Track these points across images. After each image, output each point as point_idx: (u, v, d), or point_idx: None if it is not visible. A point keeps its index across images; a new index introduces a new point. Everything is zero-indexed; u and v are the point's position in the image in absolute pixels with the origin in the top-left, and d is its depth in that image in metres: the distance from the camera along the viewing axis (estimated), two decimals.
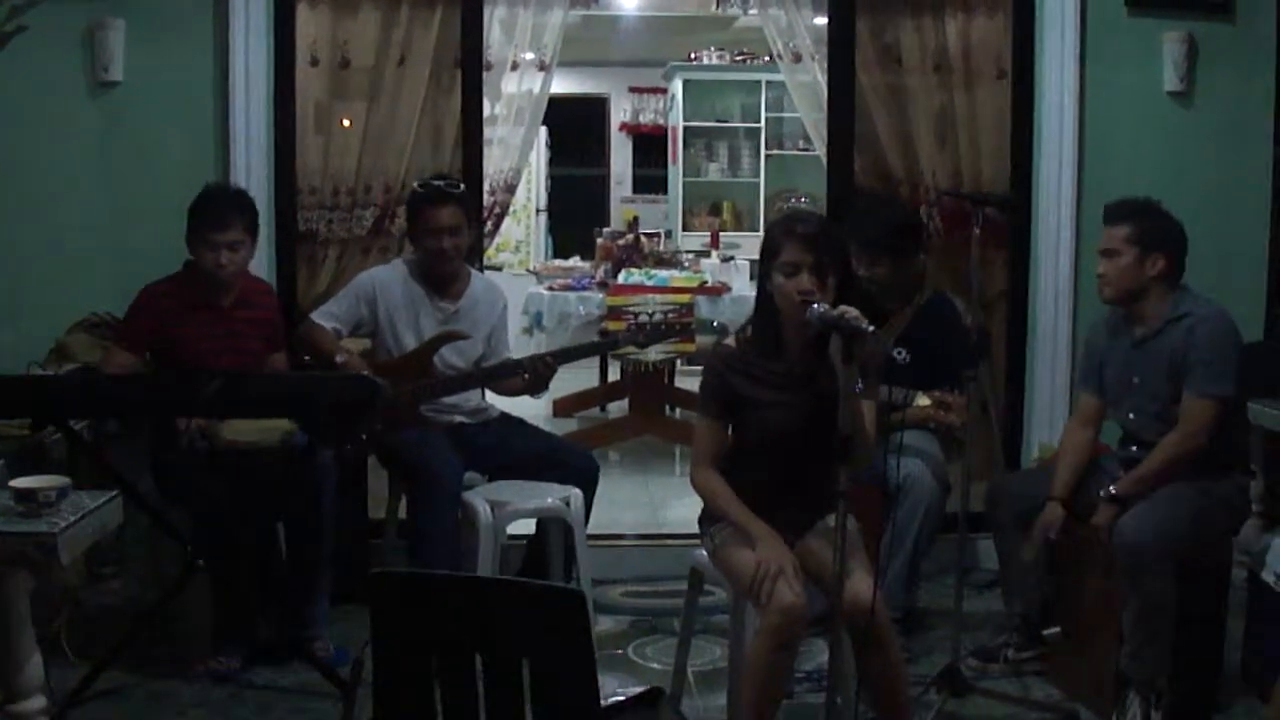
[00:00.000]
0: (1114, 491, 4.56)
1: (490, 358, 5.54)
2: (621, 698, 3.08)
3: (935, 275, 6.00)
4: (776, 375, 3.98)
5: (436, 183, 5.49)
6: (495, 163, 6.86)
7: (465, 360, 5.46)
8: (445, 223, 5.36)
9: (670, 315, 8.17)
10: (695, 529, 4.29)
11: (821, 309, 3.69)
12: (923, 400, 4.82)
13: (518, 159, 7.05)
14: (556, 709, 2.59)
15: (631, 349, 7.82)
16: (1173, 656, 4.42)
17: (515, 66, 7.18)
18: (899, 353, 5.03)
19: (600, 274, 9.47)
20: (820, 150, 6.88)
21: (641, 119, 15.14)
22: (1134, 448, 4.76)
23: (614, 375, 9.90)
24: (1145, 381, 4.67)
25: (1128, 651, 4.44)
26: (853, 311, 3.62)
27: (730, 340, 4.11)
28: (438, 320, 5.45)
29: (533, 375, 5.35)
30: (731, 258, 10.41)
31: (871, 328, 3.60)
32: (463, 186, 5.53)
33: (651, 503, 7.61)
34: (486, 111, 6.53)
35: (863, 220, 5.38)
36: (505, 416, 5.62)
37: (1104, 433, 4.94)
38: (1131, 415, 4.77)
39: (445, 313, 5.47)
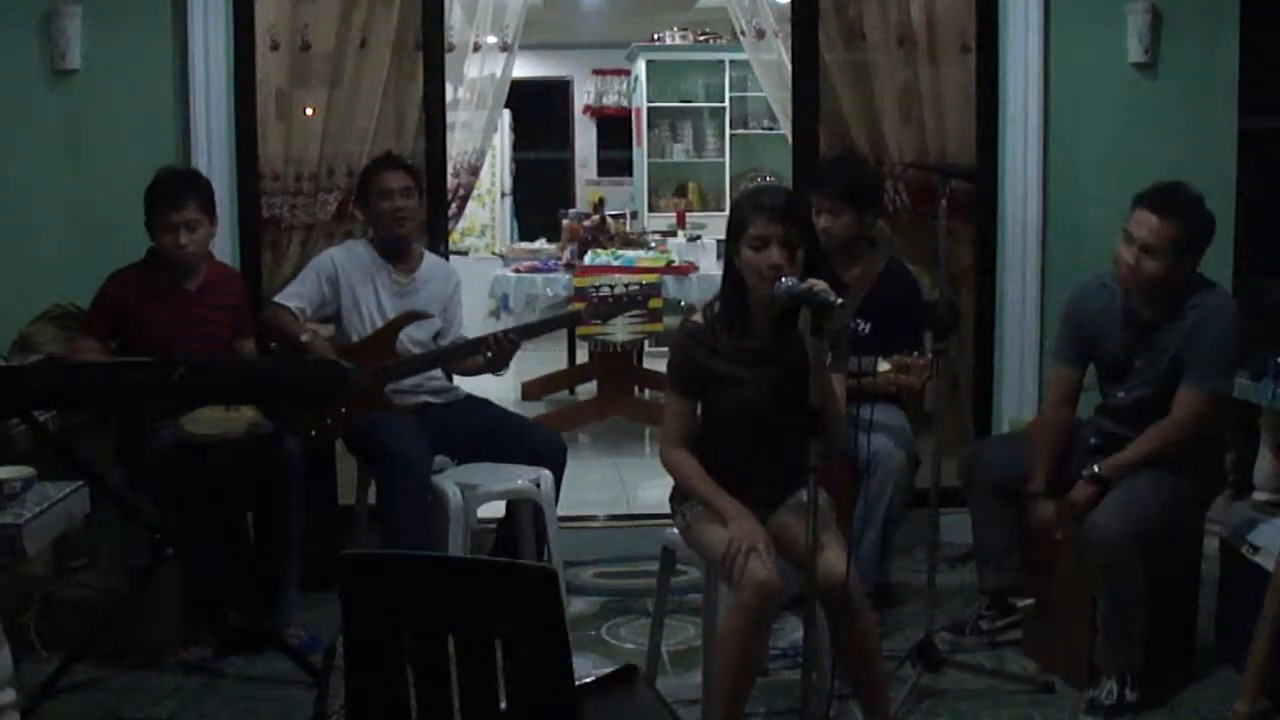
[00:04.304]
0: (1097, 471, 4.55)
1: (447, 333, 5.56)
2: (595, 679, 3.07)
3: (902, 250, 6.01)
4: (745, 351, 3.96)
5: (388, 154, 5.60)
6: (458, 145, 6.86)
7: (425, 336, 5.49)
8: (393, 185, 5.41)
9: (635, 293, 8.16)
10: (666, 509, 4.28)
11: (790, 283, 3.68)
12: (883, 365, 4.82)
13: (481, 141, 7.05)
14: (530, 688, 2.58)
15: (599, 330, 7.80)
16: (1146, 631, 4.42)
17: (477, 48, 7.16)
18: (858, 324, 5.04)
19: (566, 255, 9.47)
20: (785, 128, 6.87)
21: (605, 101, 15.12)
22: (1107, 420, 4.75)
23: (582, 358, 9.88)
24: (1147, 365, 4.61)
25: (1100, 643, 4.44)
26: (821, 285, 3.62)
27: (698, 316, 4.09)
28: (395, 292, 5.48)
29: (495, 352, 5.33)
30: (698, 237, 10.42)
31: (840, 300, 3.59)
32: (412, 163, 5.55)
33: (622, 484, 7.60)
34: (449, 95, 6.50)
35: (829, 171, 5.48)
36: (471, 397, 5.60)
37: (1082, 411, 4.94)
38: (1122, 394, 4.71)
39: (402, 285, 5.50)
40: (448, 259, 6.03)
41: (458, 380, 5.76)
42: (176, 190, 5.01)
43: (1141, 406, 4.62)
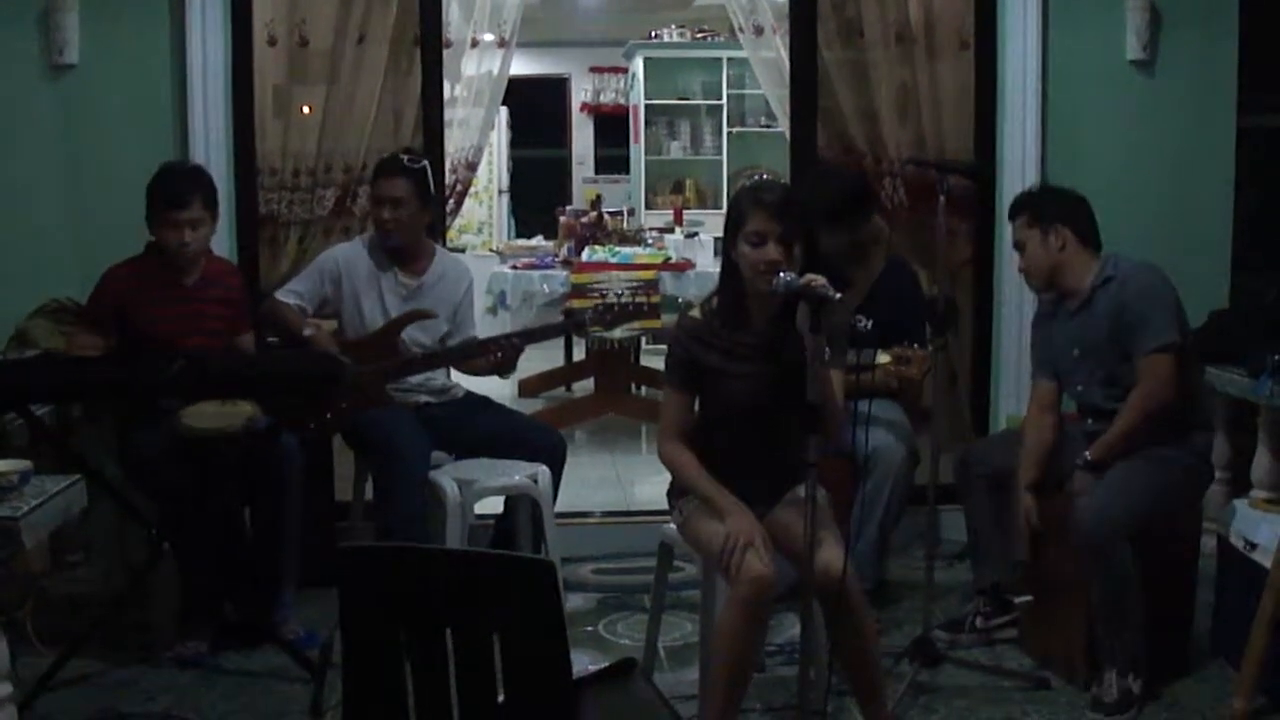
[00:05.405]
0: (1089, 458, 4.56)
1: (455, 335, 5.51)
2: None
3: (900, 247, 6.01)
4: (742, 346, 3.96)
5: (399, 155, 5.47)
6: (456, 142, 6.85)
7: (430, 338, 5.44)
8: (385, 194, 5.34)
9: (635, 291, 8.15)
10: (664, 506, 4.28)
11: (788, 278, 3.68)
12: (883, 358, 4.83)
13: (478, 138, 7.05)
14: (528, 682, 2.57)
15: (597, 327, 7.80)
16: (1142, 618, 4.42)
17: (475, 45, 7.15)
18: (860, 320, 5.03)
19: (564, 252, 9.46)
20: (783, 126, 6.86)
21: (602, 99, 15.13)
22: (1089, 420, 4.77)
23: (579, 355, 9.88)
24: (1086, 351, 4.71)
25: (1100, 631, 4.44)
26: (819, 280, 3.62)
27: (696, 311, 4.08)
28: (401, 296, 5.41)
29: (501, 355, 5.32)
30: (695, 234, 10.40)
31: (838, 295, 3.59)
32: (423, 163, 5.46)
33: (619, 481, 7.61)
34: (446, 93, 6.48)
35: (811, 197, 5.34)
36: (470, 395, 5.58)
37: (1066, 404, 4.95)
38: (1080, 388, 4.80)
39: (408, 289, 5.43)
40: None
41: (457, 378, 5.73)
42: (181, 188, 4.98)
43: (1105, 394, 4.69)
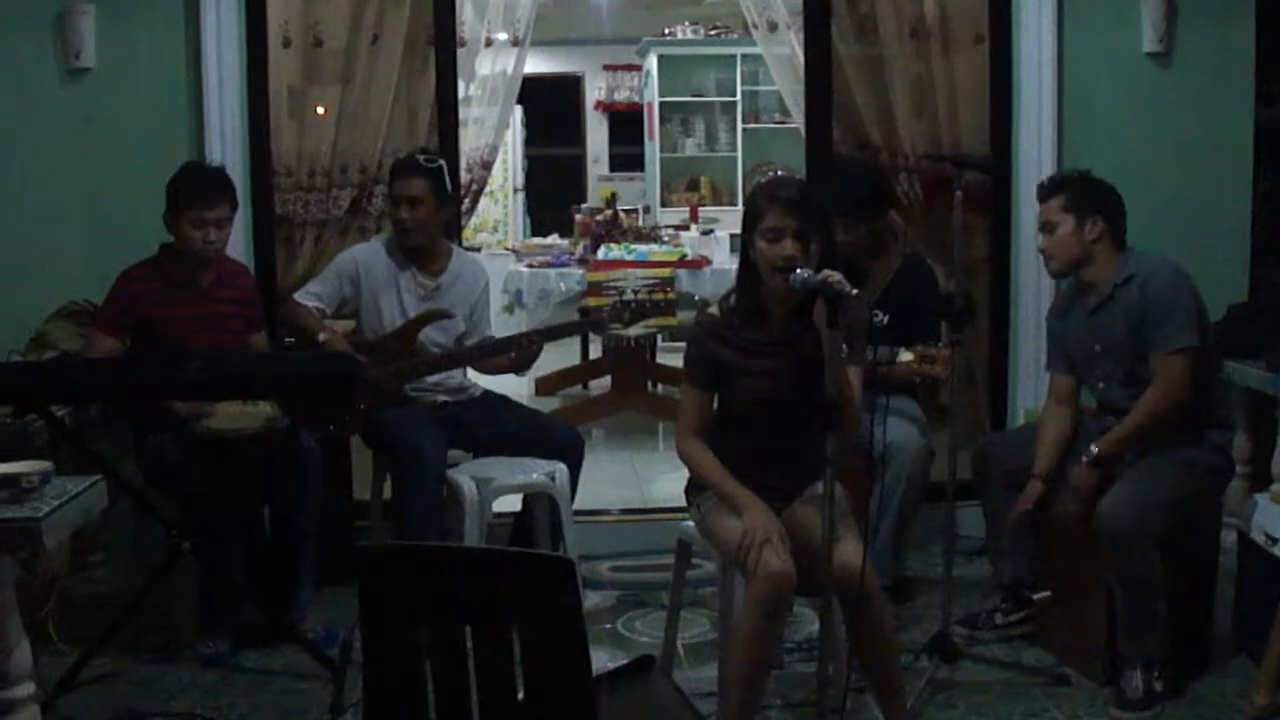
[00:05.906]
0: (1095, 452, 4.56)
1: (472, 335, 5.52)
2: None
3: (916, 242, 6.00)
4: (760, 342, 3.96)
5: (416, 155, 5.48)
6: (471, 141, 6.84)
7: (447, 337, 5.44)
8: (403, 193, 5.36)
9: (652, 289, 8.15)
10: (681, 503, 4.28)
11: (805, 274, 3.67)
12: (906, 356, 4.82)
13: (493, 137, 7.04)
14: (547, 678, 2.58)
15: (615, 325, 7.83)
16: (1166, 618, 4.41)
17: (489, 44, 7.15)
18: (876, 315, 5.03)
19: (580, 250, 9.46)
20: (798, 121, 6.85)
21: (617, 96, 15.12)
22: (1109, 417, 4.75)
23: (596, 353, 9.88)
24: (1107, 348, 4.70)
25: (1121, 632, 4.43)
26: (836, 276, 3.60)
27: (714, 309, 4.08)
28: (419, 296, 5.42)
29: (519, 354, 5.32)
30: (711, 231, 10.39)
31: (855, 291, 3.58)
32: (440, 163, 5.47)
33: (637, 478, 7.60)
34: (461, 93, 6.47)
35: (829, 190, 5.34)
36: (488, 394, 5.59)
37: (1085, 399, 4.94)
38: (1101, 385, 4.79)
39: (426, 289, 5.44)
40: None
41: (474, 377, 5.73)
42: (211, 187, 5.01)
43: (1125, 392, 4.68)
